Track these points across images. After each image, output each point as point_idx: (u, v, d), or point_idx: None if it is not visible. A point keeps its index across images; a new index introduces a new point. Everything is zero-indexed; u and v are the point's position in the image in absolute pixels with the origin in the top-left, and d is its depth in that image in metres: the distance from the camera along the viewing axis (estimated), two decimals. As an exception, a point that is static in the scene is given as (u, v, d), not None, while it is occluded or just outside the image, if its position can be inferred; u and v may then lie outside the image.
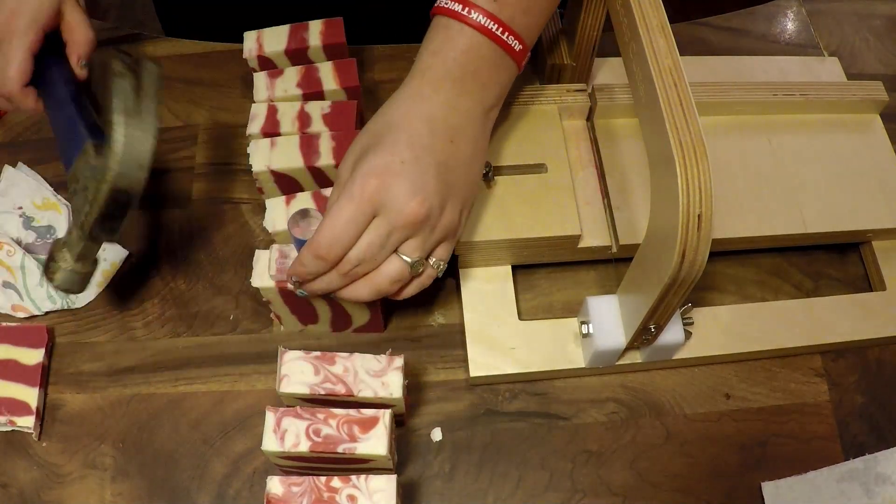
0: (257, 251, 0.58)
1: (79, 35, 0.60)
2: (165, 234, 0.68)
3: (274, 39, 0.68)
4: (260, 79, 0.67)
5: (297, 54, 0.68)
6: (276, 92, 0.66)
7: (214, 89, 0.76)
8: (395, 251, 0.52)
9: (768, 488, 0.59)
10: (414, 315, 0.65)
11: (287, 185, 0.64)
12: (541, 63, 0.71)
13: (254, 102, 0.66)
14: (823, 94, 0.70)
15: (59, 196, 0.69)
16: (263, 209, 0.61)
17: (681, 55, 0.48)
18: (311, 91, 0.66)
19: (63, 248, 0.55)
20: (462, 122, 0.53)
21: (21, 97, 0.58)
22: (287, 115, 0.64)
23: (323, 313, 0.62)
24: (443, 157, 0.52)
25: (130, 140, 0.51)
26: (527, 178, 0.63)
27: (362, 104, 0.71)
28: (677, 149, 0.45)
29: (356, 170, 0.51)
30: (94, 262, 0.57)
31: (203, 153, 0.72)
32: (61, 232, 0.67)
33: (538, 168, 0.63)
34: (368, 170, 0.50)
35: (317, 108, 0.65)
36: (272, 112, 0.64)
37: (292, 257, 0.56)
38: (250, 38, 0.68)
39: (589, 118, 0.69)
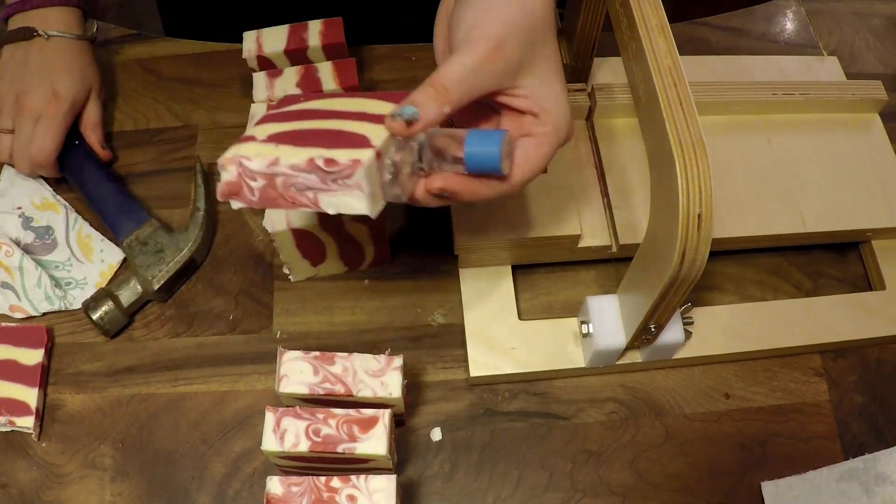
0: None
1: (94, 117, 0.68)
2: (165, 234, 0.68)
3: (273, 39, 0.68)
4: (259, 79, 0.67)
5: (297, 54, 0.68)
6: (276, 92, 0.66)
7: (214, 89, 0.76)
8: None
9: (768, 488, 0.59)
10: (414, 315, 0.65)
11: (286, 184, 0.64)
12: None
13: (253, 103, 0.66)
14: (823, 93, 0.70)
15: (58, 196, 0.69)
16: (263, 209, 0.61)
17: (681, 55, 0.48)
18: (311, 91, 0.66)
19: (118, 294, 0.63)
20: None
21: (53, 167, 0.66)
22: (286, 115, 0.64)
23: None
24: None
25: (208, 223, 0.66)
26: (526, 177, 0.63)
27: (362, 104, 0.71)
28: (677, 148, 0.45)
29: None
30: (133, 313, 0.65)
31: (203, 153, 0.72)
32: (60, 232, 0.67)
33: (538, 168, 0.63)
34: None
35: (316, 108, 0.65)
36: (272, 112, 0.64)
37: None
38: (249, 38, 0.68)
39: (588, 118, 0.69)
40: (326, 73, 0.67)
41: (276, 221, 0.59)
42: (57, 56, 0.66)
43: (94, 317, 0.62)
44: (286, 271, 0.66)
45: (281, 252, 0.62)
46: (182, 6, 0.83)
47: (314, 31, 0.68)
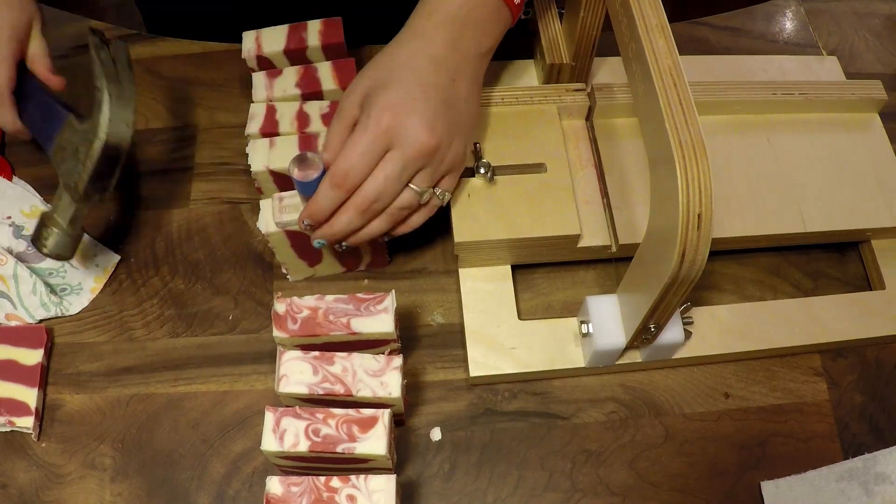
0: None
1: (39, 49, 0.62)
2: (164, 234, 0.68)
3: (273, 39, 0.68)
4: (259, 79, 0.67)
5: (296, 54, 0.68)
6: (275, 92, 0.66)
7: (213, 89, 0.76)
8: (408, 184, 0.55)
9: (768, 488, 0.59)
10: (414, 315, 0.65)
11: (286, 185, 0.64)
12: (540, 63, 0.71)
13: (252, 102, 0.66)
14: (823, 93, 0.70)
15: (47, 204, 0.69)
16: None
17: (681, 55, 0.48)
18: (310, 91, 0.66)
19: (53, 215, 0.59)
20: (461, 62, 0.57)
21: (9, 105, 0.61)
22: (286, 115, 0.64)
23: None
24: (446, 94, 0.55)
25: (116, 100, 0.57)
26: (527, 177, 0.63)
27: (361, 104, 0.71)
28: (677, 148, 0.45)
29: (370, 105, 0.54)
30: (82, 227, 0.61)
31: (202, 153, 0.72)
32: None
33: (538, 168, 0.63)
34: (383, 105, 0.53)
35: (316, 108, 0.65)
36: (271, 112, 0.64)
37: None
38: (249, 38, 0.68)
39: (588, 118, 0.69)
40: (326, 72, 0.67)
41: (270, 222, 0.59)
42: None
43: (45, 251, 0.59)
44: (285, 271, 0.66)
45: (277, 253, 0.62)
46: (182, 5, 0.83)
47: (313, 30, 0.68)
